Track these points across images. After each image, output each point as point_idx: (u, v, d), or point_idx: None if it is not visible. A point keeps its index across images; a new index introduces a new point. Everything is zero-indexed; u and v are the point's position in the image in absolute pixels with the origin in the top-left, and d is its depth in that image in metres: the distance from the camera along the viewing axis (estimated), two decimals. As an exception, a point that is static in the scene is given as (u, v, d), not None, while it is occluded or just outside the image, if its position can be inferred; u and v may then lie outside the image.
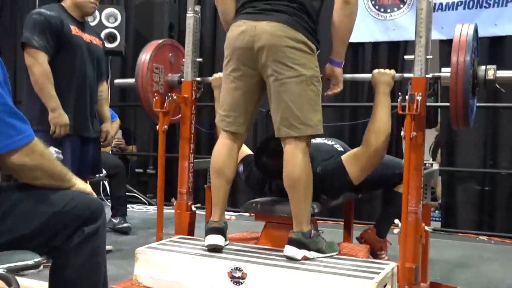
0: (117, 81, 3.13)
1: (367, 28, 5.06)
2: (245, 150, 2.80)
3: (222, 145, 2.44)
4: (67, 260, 1.61)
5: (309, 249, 2.29)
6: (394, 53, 4.97)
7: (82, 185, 1.73)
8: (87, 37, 3.16)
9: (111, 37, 5.09)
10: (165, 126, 2.64)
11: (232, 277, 2.21)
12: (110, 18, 5.11)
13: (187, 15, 2.78)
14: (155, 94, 2.79)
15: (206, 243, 2.37)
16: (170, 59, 2.92)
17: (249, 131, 2.49)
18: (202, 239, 2.45)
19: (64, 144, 2.98)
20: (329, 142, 2.80)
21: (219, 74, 2.72)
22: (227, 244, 2.42)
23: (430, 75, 2.32)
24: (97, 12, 5.05)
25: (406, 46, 4.83)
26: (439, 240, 3.99)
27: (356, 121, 5.01)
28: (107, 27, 5.07)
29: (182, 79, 2.82)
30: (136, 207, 5.28)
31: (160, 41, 2.96)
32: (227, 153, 2.42)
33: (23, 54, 2.99)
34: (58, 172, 1.62)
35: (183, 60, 2.82)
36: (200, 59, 2.81)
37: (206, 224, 2.44)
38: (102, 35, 4.90)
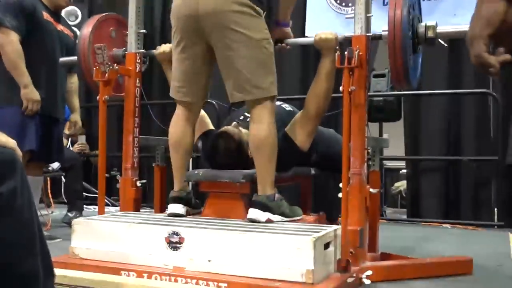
0: (62, 59, 3.06)
1: (328, 23, 5.04)
2: (206, 123, 2.77)
3: (178, 118, 2.46)
4: None
5: (273, 212, 2.28)
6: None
7: (3, 138, 1.65)
8: (59, 26, 3.28)
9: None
10: (106, 96, 2.57)
11: (170, 242, 2.13)
12: (71, 16, 5.06)
13: (130, -14, 2.74)
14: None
15: (167, 212, 2.44)
16: (111, 34, 2.87)
17: (206, 98, 2.51)
18: (146, 212, 2.39)
19: (34, 120, 3.07)
20: (285, 106, 2.80)
21: (164, 47, 2.68)
22: (191, 213, 2.47)
23: (371, 33, 2.29)
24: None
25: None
26: (403, 228, 3.96)
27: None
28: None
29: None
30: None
31: (99, 16, 2.93)
32: (183, 127, 2.45)
33: None
34: None
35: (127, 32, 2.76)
36: (144, 31, 2.76)
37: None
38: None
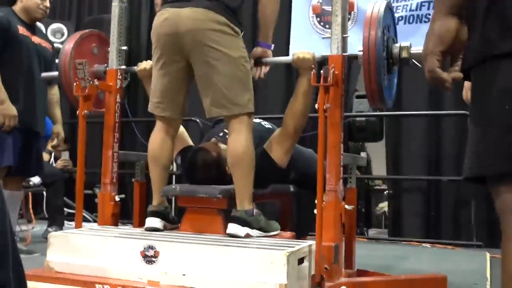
0: (44, 74, 3.09)
1: (313, 45, 5.11)
2: (185, 139, 2.79)
3: (157, 133, 2.49)
4: None
5: (251, 227, 2.30)
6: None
7: None
8: (35, 39, 3.30)
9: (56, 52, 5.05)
10: (85, 111, 2.59)
11: (145, 256, 2.13)
12: (57, 34, 5.09)
13: (113, 3, 2.78)
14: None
15: (145, 226, 2.45)
16: (93, 50, 2.91)
17: (184, 114, 2.54)
18: (123, 227, 2.40)
19: (12, 135, 3.07)
20: (264, 123, 2.84)
21: (144, 64, 2.73)
22: (169, 227, 2.48)
23: (347, 53, 2.34)
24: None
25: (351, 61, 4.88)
26: (383, 247, 3.99)
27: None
28: (53, 42, 5.02)
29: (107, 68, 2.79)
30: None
31: (82, 32, 2.96)
32: (161, 142, 2.48)
33: None
34: None
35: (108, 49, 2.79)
36: (125, 48, 2.79)
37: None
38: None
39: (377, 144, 5.19)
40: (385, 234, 5.33)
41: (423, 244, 4.22)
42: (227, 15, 2.32)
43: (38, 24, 3.53)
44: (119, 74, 2.77)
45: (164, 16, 2.35)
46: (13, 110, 3.03)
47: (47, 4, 3.32)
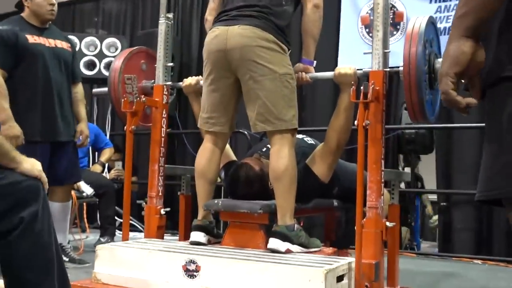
0: (95, 90, 3.20)
1: (362, 56, 5.07)
2: (229, 154, 2.84)
3: (205, 148, 2.57)
4: (12, 251, 1.62)
5: (292, 242, 2.33)
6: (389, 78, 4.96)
7: (28, 166, 1.74)
8: (50, 41, 3.23)
9: (91, 65, 5.19)
10: (133, 127, 2.67)
11: (187, 270, 2.18)
12: (111, 48, 5.25)
13: (159, 21, 2.87)
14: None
15: (190, 240, 2.52)
16: (141, 66, 2.99)
17: (233, 129, 2.60)
18: (169, 239, 2.46)
19: (36, 152, 2.99)
20: (307, 139, 2.86)
21: (190, 80, 2.79)
22: (213, 242, 2.53)
23: (388, 69, 2.33)
24: (98, 42, 5.23)
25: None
26: (432, 263, 3.90)
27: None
28: (107, 56, 5.20)
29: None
30: (131, 234, 5.23)
31: (131, 49, 3.05)
32: (209, 157, 2.54)
33: None
34: (7, 150, 1.65)
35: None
36: (171, 64, 2.87)
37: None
38: (83, 62, 5.04)
39: (427, 157, 5.10)
40: (437, 247, 5.20)
41: (474, 261, 4.10)
42: (276, 33, 2.40)
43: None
44: (165, 89, 2.85)
45: (214, 34, 2.45)
46: (14, 130, 2.97)
47: (52, 1, 3.23)
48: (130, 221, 5.22)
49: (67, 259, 3.32)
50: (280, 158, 2.36)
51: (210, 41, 2.47)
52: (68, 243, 3.56)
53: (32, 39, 3.13)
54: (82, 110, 3.44)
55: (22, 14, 3.25)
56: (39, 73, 3.12)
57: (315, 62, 2.60)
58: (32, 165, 1.76)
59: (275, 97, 2.36)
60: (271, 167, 2.39)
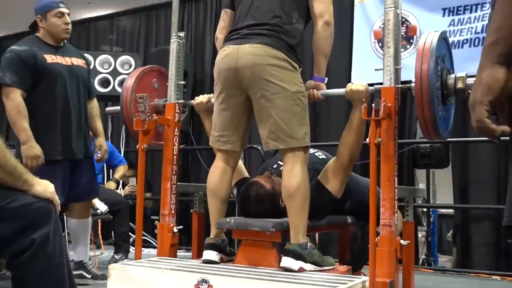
0: (108, 109, 3.22)
1: (374, 71, 5.06)
2: (242, 171, 2.84)
3: (217, 166, 2.57)
4: (24, 272, 1.63)
5: (305, 260, 2.31)
6: (402, 92, 4.93)
7: (40, 188, 1.75)
8: (67, 60, 3.26)
9: (105, 82, 5.26)
10: (145, 145, 2.68)
11: (199, 289, 2.17)
12: (125, 65, 5.30)
13: (171, 39, 2.88)
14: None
15: (202, 258, 2.52)
16: (153, 85, 3.01)
17: (244, 147, 2.61)
18: (182, 258, 2.46)
19: (57, 171, 3.05)
20: (318, 154, 2.84)
21: (201, 98, 2.80)
22: (226, 260, 2.53)
23: (399, 85, 2.31)
24: (112, 59, 5.28)
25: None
26: (449, 279, 3.84)
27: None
28: (121, 74, 5.24)
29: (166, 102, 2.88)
30: (146, 250, 5.24)
31: (143, 68, 3.07)
32: (220, 175, 2.55)
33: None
34: (11, 167, 1.65)
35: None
36: (183, 82, 2.88)
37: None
38: (98, 79, 5.13)
39: (443, 171, 5.04)
40: (454, 261, 5.12)
41: (493, 276, 4.03)
42: (286, 51, 2.40)
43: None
44: (177, 108, 2.85)
45: (225, 52, 2.46)
46: (34, 150, 3.00)
47: (67, 20, 3.26)
48: (144, 237, 5.27)
49: (89, 276, 3.35)
50: (292, 176, 2.35)
51: (221, 60, 2.47)
52: (90, 259, 3.57)
53: (50, 59, 3.16)
54: (99, 125, 3.45)
55: (38, 34, 3.28)
56: (57, 92, 3.15)
57: (326, 79, 2.59)
58: (44, 188, 1.76)
59: (287, 115, 2.36)
60: (283, 185, 2.38)
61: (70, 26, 3.29)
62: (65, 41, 3.36)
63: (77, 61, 3.33)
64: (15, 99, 3.01)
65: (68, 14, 3.28)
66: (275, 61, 2.37)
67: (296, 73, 2.43)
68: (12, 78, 3.03)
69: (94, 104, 3.47)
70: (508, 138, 1.26)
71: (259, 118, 2.43)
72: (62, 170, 3.11)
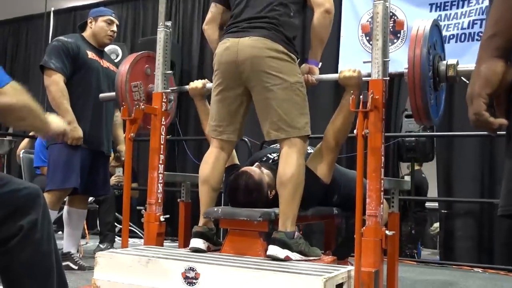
0: (101, 95, 3.22)
1: (362, 64, 5.08)
2: (233, 157, 2.84)
3: (211, 155, 2.59)
4: (12, 258, 1.61)
5: (292, 249, 2.32)
6: (389, 86, 4.97)
7: (57, 121, 1.80)
8: (104, 63, 3.52)
9: None
10: (132, 134, 2.68)
11: (186, 278, 2.17)
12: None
13: (158, 29, 2.87)
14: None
15: (189, 246, 2.52)
16: (146, 71, 3.01)
17: (241, 137, 2.63)
18: (168, 247, 2.46)
19: (76, 155, 3.26)
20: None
21: (196, 83, 2.81)
22: (213, 249, 2.53)
23: (387, 78, 2.33)
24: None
25: (401, 79, 4.82)
26: (433, 271, 3.89)
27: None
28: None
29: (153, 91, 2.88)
30: (131, 240, 5.23)
31: (135, 55, 3.06)
32: (213, 163, 2.57)
33: (42, 76, 3.35)
34: (40, 111, 1.65)
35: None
36: (170, 72, 2.88)
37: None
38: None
39: (429, 164, 5.10)
40: (438, 255, 5.19)
41: (475, 269, 4.09)
42: (285, 43, 2.44)
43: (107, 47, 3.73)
44: (164, 97, 2.85)
45: (225, 45, 2.49)
46: (79, 132, 3.23)
47: (114, 28, 3.54)
48: (130, 228, 5.25)
49: (75, 267, 3.39)
50: (287, 164, 2.38)
51: (221, 53, 2.50)
52: (78, 251, 3.64)
53: (91, 55, 3.43)
54: (121, 134, 3.69)
55: (84, 34, 3.53)
56: (92, 86, 3.38)
57: (320, 63, 2.62)
58: (59, 120, 1.82)
59: (288, 106, 2.40)
60: (278, 172, 2.40)
61: (114, 35, 3.59)
62: (105, 50, 3.63)
63: (112, 67, 3.56)
64: (60, 83, 3.25)
65: (117, 25, 3.61)
66: (274, 54, 2.40)
67: (294, 65, 2.47)
68: (56, 64, 3.26)
69: (118, 114, 3.61)
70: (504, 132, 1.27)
71: (259, 109, 2.47)
72: (82, 156, 3.30)
